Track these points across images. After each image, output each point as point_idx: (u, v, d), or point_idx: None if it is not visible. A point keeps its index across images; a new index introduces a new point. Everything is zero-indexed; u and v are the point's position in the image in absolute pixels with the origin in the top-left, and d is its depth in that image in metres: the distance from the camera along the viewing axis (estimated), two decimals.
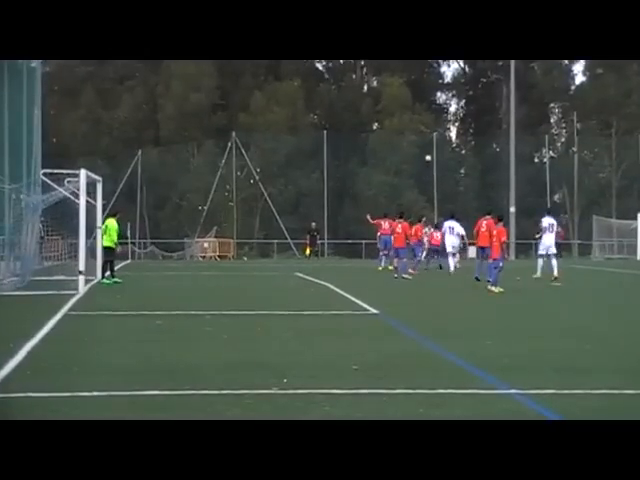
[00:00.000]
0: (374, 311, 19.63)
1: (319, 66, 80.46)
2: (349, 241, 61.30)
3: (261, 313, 19.38)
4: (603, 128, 72.68)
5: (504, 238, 26.71)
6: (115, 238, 29.41)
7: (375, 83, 76.67)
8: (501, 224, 26.96)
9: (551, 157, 74.73)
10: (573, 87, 79.15)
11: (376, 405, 9.32)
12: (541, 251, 31.47)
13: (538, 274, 29.94)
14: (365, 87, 78.57)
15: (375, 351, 13.32)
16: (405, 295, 26.21)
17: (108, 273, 28.66)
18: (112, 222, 29.62)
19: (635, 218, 57.23)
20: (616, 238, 62.32)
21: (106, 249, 29.01)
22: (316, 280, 30.78)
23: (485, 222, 28.74)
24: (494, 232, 26.34)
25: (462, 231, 37.40)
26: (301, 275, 34.22)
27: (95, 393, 9.64)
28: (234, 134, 65.17)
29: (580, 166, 70.99)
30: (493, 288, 25.17)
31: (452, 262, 35.80)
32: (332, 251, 65.07)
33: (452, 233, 36.80)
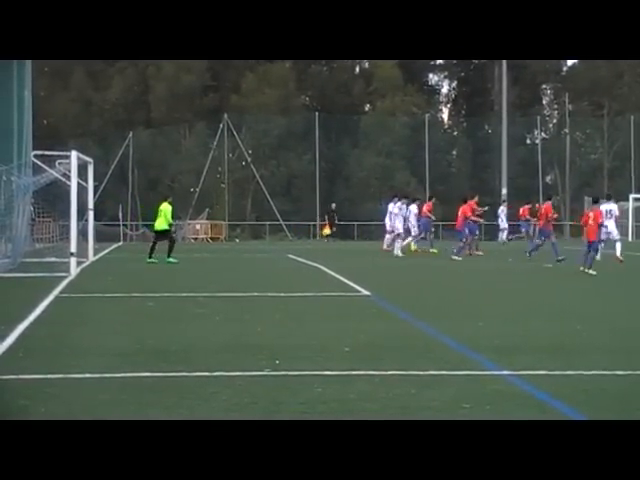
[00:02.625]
0: (366, 293, 19.62)
1: None
2: (342, 223, 61.20)
3: (253, 295, 19.35)
4: (595, 109, 72.59)
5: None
6: (170, 220, 30.96)
7: (367, 64, 76.27)
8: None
9: (543, 138, 74.53)
10: (565, 68, 78.89)
11: (368, 386, 9.32)
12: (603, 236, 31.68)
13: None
14: (357, 68, 78.29)
15: (367, 333, 13.31)
16: (398, 277, 26.22)
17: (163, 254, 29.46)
18: (166, 206, 30.74)
19: (627, 199, 57.26)
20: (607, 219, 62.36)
21: (160, 232, 30.52)
22: (308, 262, 30.80)
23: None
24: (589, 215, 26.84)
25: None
26: (293, 257, 34.23)
27: (87, 375, 9.63)
28: (226, 116, 64.98)
29: (572, 147, 70.88)
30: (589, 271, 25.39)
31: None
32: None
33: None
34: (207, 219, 61.50)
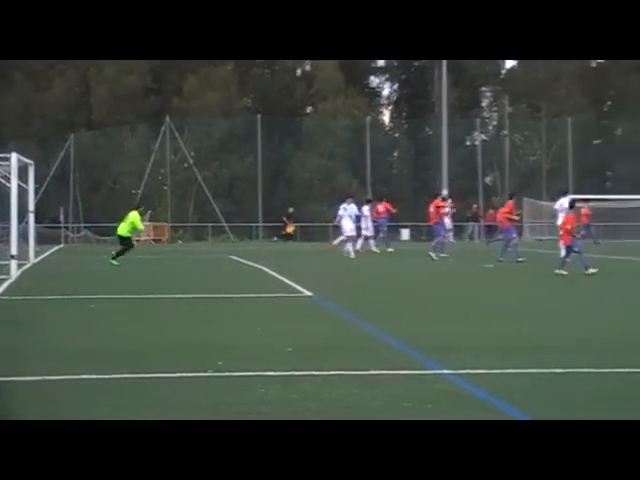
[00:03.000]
0: (308, 293, 19.62)
1: None
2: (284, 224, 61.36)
3: (196, 297, 19.30)
4: (533, 111, 73.24)
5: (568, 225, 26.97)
6: (137, 228, 31.65)
7: (308, 67, 76.33)
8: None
9: (483, 140, 74.91)
10: (504, 71, 79.53)
11: (311, 386, 9.33)
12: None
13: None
14: (299, 71, 78.20)
15: (309, 333, 13.32)
16: (342, 278, 26.28)
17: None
18: (135, 214, 31.02)
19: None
20: (546, 220, 62.86)
21: (121, 237, 30.64)
22: (251, 263, 30.74)
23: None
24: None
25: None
26: (236, 258, 34.15)
27: (29, 378, 9.55)
28: (168, 118, 64.64)
29: (511, 149, 71.52)
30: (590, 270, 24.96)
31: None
32: (266, 234, 64.98)
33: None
34: (149, 221, 61.11)
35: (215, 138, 67.08)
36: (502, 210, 34.06)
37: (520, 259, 31.14)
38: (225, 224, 62.63)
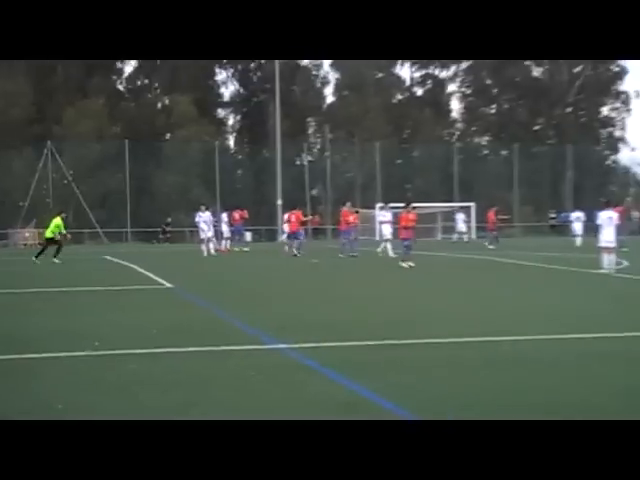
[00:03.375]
0: (170, 285, 19.36)
1: (120, 87, 78.26)
2: (149, 229, 60.66)
3: (74, 290, 18.77)
4: (349, 137, 74.05)
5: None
6: (60, 230, 31.17)
7: (167, 101, 75.19)
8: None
9: (309, 161, 75.37)
10: (325, 105, 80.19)
11: (172, 360, 9.26)
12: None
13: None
14: (159, 104, 77.02)
15: (170, 317, 13.13)
16: (198, 272, 25.94)
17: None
18: (57, 219, 31.27)
19: (374, 208, 58.69)
20: (360, 223, 63.86)
21: (47, 239, 31.27)
22: (122, 262, 30.11)
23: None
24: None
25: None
26: (110, 258, 33.37)
27: None
28: (49, 143, 62.60)
29: (332, 167, 72.16)
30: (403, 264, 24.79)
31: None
32: (135, 238, 63.75)
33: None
34: (35, 227, 59.05)
35: (90, 159, 65.31)
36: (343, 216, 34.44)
37: (353, 254, 31.70)
38: (99, 230, 61.21)
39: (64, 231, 31.44)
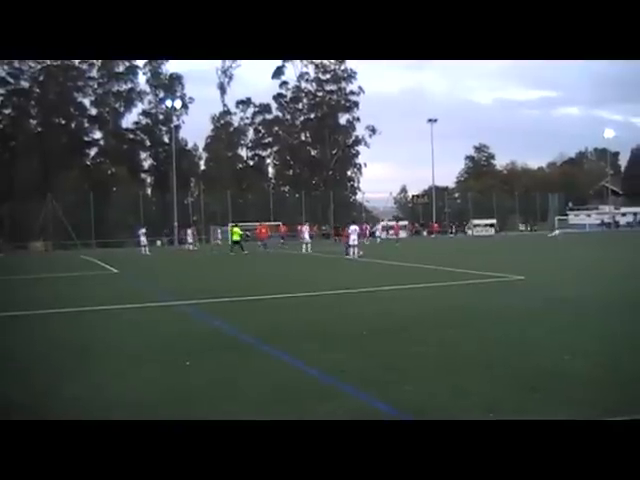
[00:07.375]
0: (115, 271, 22.39)
1: None
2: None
3: (47, 276, 21.99)
4: (213, 189, 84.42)
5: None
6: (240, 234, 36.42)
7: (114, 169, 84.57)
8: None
9: (191, 201, 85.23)
10: (200, 171, 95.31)
11: (109, 315, 11.92)
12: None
13: None
14: (109, 172, 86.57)
15: (112, 290, 16.85)
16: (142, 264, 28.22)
17: None
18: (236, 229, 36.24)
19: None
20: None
21: None
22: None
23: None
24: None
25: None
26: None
27: None
28: None
29: (205, 205, 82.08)
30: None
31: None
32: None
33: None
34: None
35: None
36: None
37: (245, 252, 35.53)
38: None
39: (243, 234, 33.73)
